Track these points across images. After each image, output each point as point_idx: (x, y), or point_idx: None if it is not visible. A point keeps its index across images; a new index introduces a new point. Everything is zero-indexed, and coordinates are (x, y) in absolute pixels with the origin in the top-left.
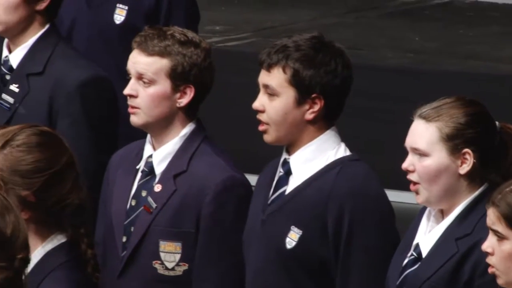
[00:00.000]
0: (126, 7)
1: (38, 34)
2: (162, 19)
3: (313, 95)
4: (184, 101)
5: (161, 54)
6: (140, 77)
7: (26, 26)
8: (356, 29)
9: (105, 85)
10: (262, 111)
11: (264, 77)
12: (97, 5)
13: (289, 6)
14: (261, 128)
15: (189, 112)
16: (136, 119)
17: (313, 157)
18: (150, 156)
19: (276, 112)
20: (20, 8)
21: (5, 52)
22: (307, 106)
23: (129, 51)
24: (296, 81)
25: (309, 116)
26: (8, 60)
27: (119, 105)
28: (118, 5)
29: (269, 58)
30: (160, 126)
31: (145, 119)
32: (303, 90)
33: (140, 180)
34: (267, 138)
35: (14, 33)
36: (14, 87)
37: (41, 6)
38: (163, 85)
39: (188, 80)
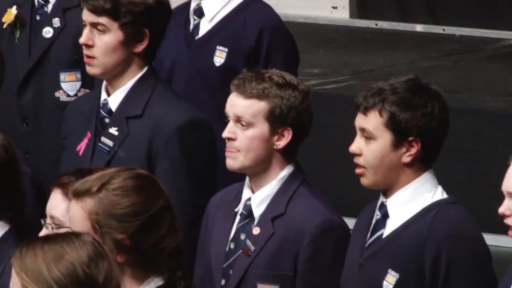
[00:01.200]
0: (226, 49)
1: (137, 76)
2: (262, 61)
3: (410, 138)
4: (282, 143)
5: (259, 96)
6: (238, 119)
7: (125, 68)
8: (454, 72)
9: (204, 128)
10: (359, 155)
11: (360, 121)
12: (198, 47)
13: (387, 49)
14: (358, 171)
15: (288, 155)
16: (233, 163)
17: (410, 200)
18: (249, 199)
19: (373, 155)
20: (118, 50)
21: (103, 95)
22: (404, 149)
23: (228, 92)
24: (392, 124)
25: (406, 159)
26: (107, 103)
27: (222, 147)
28: (218, 47)
29: (366, 101)
30: (258, 169)
31: (243, 162)
32: (400, 133)
33: (238, 223)
34: (364, 181)
35: (113, 75)
36: (113, 130)
37: (139, 48)
38: (261, 128)
39: (286, 123)
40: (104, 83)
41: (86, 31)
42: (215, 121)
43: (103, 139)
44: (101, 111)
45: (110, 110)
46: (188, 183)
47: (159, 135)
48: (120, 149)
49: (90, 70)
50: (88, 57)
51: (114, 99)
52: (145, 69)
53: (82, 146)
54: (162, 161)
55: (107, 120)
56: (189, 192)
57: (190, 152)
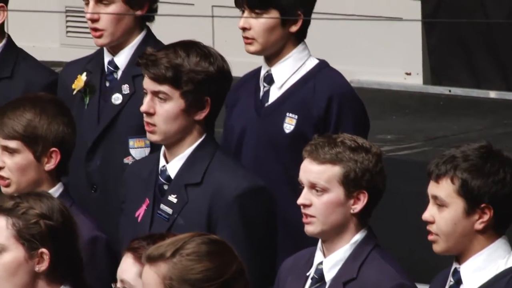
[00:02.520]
0: (296, 116)
1: (196, 143)
2: (332, 128)
3: (482, 205)
4: (358, 207)
5: (333, 161)
6: (312, 186)
7: (185, 135)
8: None
9: (264, 196)
10: (432, 222)
11: (433, 188)
12: (267, 114)
13: (460, 115)
14: (430, 238)
15: (362, 218)
16: (312, 229)
17: (484, 266)
18: (320, 263)
19: (445, 223)
20: (179, 118)
21: (162, 161)
22: (476, 216)
23: (297, 159)
24: (464, 192)
25: (478, 226)
26: (165, 170)
27: (291, 213)
28: (288, 114)
29: (437, 169)
30: (333, 233)
31: (320, 228)
32: (472, 200)
33: (310, 287)
34: (437, 248)
35: (172, 142)
36: (172, 198)
37: (201, 116)
38: (337, 193)
39: (361, 186)
40: (163, 149)
41: (147, 99)
42: (285, 188)
43: (162, 206)
44: (160, 177)
45: (168, 177)
46: (248, 251)
47: (218, 202)
48: (180, 217)
49: (151, 137)
50: (149, 124)
51: (173, 166)
52: (204, 135)
53: (140, 212)
54: (222, 229)
55: (166, 187)
56: (250, 260)
57: (250, 220)
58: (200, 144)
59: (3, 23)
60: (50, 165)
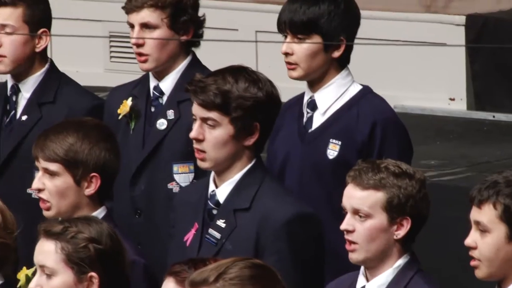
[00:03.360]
0: (340, 142)
1: (245, 169)
2: (375, 154)
3: None
4: (401, 233)
5: (376, 187)
6: (356, 212)
7: (234, 161)
8: None
9: (312, 222)
10: (474, 248)
11: (475, 214)
12: (311, 140)
13: (504, 141)
14: (472, 263)
15: (405, 244)
16: (356, 256)
17: None
18: (363, 287)
19: (488, 249)
20: (229, 144)
21: (211, 186)
22: None
23: (340, 185)
24: (507, 217)
25: None
26: (214, 195)
27: (334, 239)
28: (331, 140)
29: (480, 194)
30: (376, 259)
31: (364, 255)
32: None
33: None
34: (479, 273)
35: (222, 168)
36: (221, 223)
37: (250, 141)
38: (380, 219)
39: (405, 212)
40: (212, 174)
41: (196, 125)
42: (328, 214)
43: (211, 231)
44: (209, 202)
45: (218, 201)
46: (296, 278)
47: (266, 228)
48: (228, 242)
49: (202, 164)
50: (199, 151)
51: (222, 191)
52: (254, 161)
53: (189, 237)
54: (269, 254)
55: (214, 212)
56: (297, 286)
57: (298, 246)
58: (249, 169)
59: (46, 48)
60: (90, 190)
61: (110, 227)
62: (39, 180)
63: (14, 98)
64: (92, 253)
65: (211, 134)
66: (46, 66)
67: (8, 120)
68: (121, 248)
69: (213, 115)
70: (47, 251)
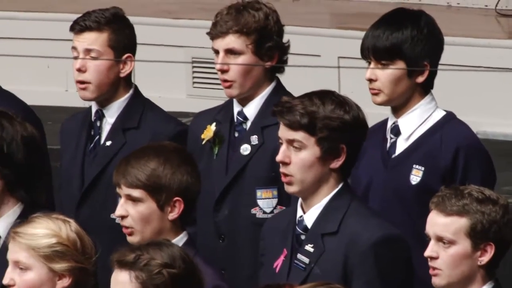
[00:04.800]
0: (423, 168)
1: (332, 192)
2: (458, 180)
3: None
4: (485, 259)
5: (460, 213)
6: (439, 239)
7: (321, 185)
8: None
9: (399, 245)
10: None
11: None
12: (394, 165)
13: None
14: None
15: (489, 270)
16: (439, 281)
17: None
18: None
19: None
20: (315, 166)
21: (299, 211)
22: None
23: (424, 211)
24: None
25: None
26: (302, 220)
27: (418, 265)
28: (414, 166)
29: None
30: (460, 286)
31: (447, 280)
32: None
33: None
34: None
35: (308, 192)
36: (309, 247)
37: (336, 164)
38: (463, 245)
39: (488, 238)
40: (300, 199)
41: (282, 149)
42: (412, 240)
43: (299, 256)
44: (297, 227)
45: (305, 226)
46: None
47: (354, 251)
48: (316, 266)
49: (289, 188)
50: (285, 175)
51: (309, 216)
52: (341, 185)
53: (278, 263)
54: (358, 277)
55: (303, 237)
56: None
57: (386, 269)
58: (336, 193)
59: (130, 73)
60: (173, 215)
61: (183, 250)
62: (122, 207)
63: (98, 124)
64: (167, 278)
65: (298, 156)
66: (131, 91)
67: (92, 145)
68: (195, 270)
69: (299, 136)
70: (121, 282)
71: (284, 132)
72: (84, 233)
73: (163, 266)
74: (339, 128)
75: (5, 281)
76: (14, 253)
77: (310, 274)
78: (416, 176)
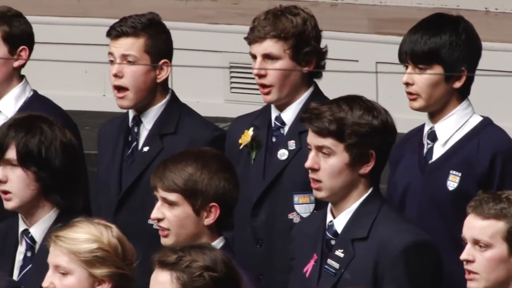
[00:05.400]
0: (460, 174)
1: (362, 198)
2: (495, 185)
3: None
4: None
5: (497, 217)
6: (476, 242)
7: (350, 190)
8: None
9: (429, 250)
10: None
11: None
12: (431, 171)
13: None
14: None
15: None
16: (475, 285)
17: None
18: None
19: None
20: (344, 172)
21: (329, 216)
22: None
23: (460, 217)
24: None
25: None
26: (332, 225)
27: (454, 270)
28: (451, 171)
29: None
30: None
31: (483, 284)
32: None
33: None
34: None
35: (338, 198)
36: (339, 253)
37: (366, 170)
38: (500, 249)
39: None
40: (330, 204)
41: (311, 155)
42: (448, 245)
43: (329, 261)
44: (327, 233)
45: (336, 232)
46: None
47: (384, 257)
48: (346, 271)
49: (317, 194)
50: (315, 181)
51: (339, 221)
52: (370, 190)
53: (308, 268)
54: (388, 283)
55: (333, 242)
56: None
57: (416, 274)
58: (366, 198)
59: (167, 78)
60: (209, 220)
61: (224, 254)
62: (158, 210)
63: (135, 129)
64: (208, 281)
65: (327, 162)
66: (167, 97)
67: (129, 151)
68: (236, 275)
69: (328, 142)
70: (162, 282)
71: (312, 139)
72: (125, 239)
73: (204, 269)
74: (367, 133)
75: (45, 284)
76: (55, 257)
77: (340, 279)
78: (453, 181)
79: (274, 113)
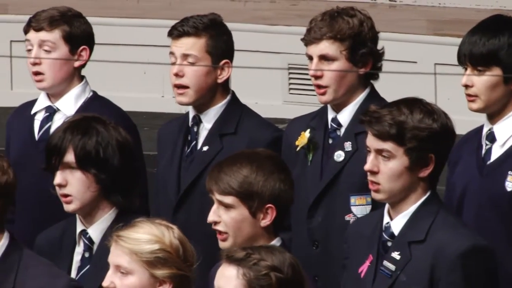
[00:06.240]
0: None
1: (420, 201)
2: None
3: None
4: None
5: None
6: None
7: (409, 193)
8: None
9: (487, 255)
10: None
11: None
12: (489, 172)
13: None
14: None
15: None
16: None
17: None
18: None
19: None
20: (403, 176)
21: (386, 218)
22: None
23: None
24: None
25: None
26: (389, 227)
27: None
28: (510, 172)
29: None
30: None
31: None
32: None
33: None
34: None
35: (396, 200)
36: (395, 255)
37: (425, 173)
38: None
39: None
40: (387, 206)
41: (371, 158)
42: (506, 247)
43: (385, 263)
44: (384, 234)
45: (392, 233)
46: None
47: (441, 261)
48: (402, 274)
49: (376, 196)
50: (373, 183)
51: (397, 223)
52: (428, 193)
53: (364, 269)
54: (444, 287)
55: (389, 244)
56: None
57: (473, 280)
58: (424, 201)
59: (228, 79)
60: (265, 221)
61: (294, 258)
62: (214, 213)
63: (195, 129)
64: (273, 281)
65: (386, 166)
66: (228, 97)
67: (189, 150)
68: (302, 279)
69: (388, 146)
70: (228, 276)
71: (372, 142)
72: (186, 240)
73: (271, 269)
74: (427, 137)
75: (105, 283)
76: (116, 256)
77: (395, 282)
78: (511, 182)
79: (330, 114)
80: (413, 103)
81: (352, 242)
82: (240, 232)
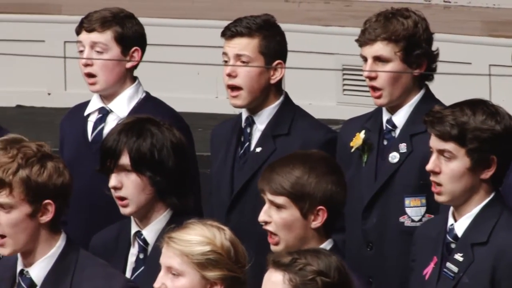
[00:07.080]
0: None
1: (483, 202)
2: None
3: None
4: None
5: None
6: None
7: (471, 194)
8: None
9: None
10: None
11: None
12: None
13: None
14: None
15: None
16: None
17: None
18: None
19: None
20: (465, 177)
21: (450, 220)
22: None
23: None
24: None
25: None
26: (453, 229)
27: None
28: None
29: None
30: None
31: None
32: None
33: None
34: None
35: (459, 202)
36: (458, 256)
37: (487, 175)
38: None
39: None
40: (451, 208)
41: (433, 158)
42: None
43: (449, 264)
44: (448, 236)
45: (456, 235)
46: None
47: (503, 263)
48: (465, 276)
49: (438, 198)
50: (435, 184)
51: (460, 225)
52: (492, 195)
53: (428, 271)
54: None
55: (453, 246)
56: None
57: None
58: (487, 203)
59: (281, 80)
60: (316, 223)
61: (339, 260)
62: (265, 213)
63: (248, 130)
64: (320, 286)
65: (448, 166)
66: (281, 98)
67: (242, 151)
68: (349, 282)
69: (450, 146)
70: (274, 282)
71: (434, 142)
72: (238, 242)
73: (317, 274)
74: (489, 139)
75: (157, 285)
76: (168, 258)
77: (458, 283)
78: None
79: (385, 116)
80: (476, 104)
81: (418, 244)
82: (290, 233)
